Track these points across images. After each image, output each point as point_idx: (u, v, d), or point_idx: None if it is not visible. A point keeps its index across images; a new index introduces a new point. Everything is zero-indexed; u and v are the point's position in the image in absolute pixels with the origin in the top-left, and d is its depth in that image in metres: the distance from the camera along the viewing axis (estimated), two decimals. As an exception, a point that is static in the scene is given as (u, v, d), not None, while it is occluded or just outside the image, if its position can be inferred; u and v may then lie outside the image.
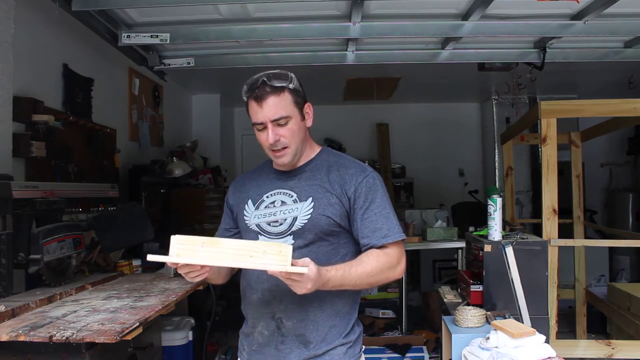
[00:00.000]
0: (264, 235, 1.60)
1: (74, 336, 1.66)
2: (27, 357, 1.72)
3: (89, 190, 3.16)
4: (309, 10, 2.99)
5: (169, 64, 3.67)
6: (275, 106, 1.52)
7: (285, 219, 1.57)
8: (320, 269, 1.36)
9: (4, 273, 2.17)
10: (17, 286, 2.27)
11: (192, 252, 1.27)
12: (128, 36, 3.11)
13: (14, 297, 2.16)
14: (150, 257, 1.27)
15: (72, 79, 3.35)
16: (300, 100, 1.57)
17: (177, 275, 2.77)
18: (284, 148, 1.56)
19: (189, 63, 3.65)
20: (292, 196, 1.59)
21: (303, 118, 1.59)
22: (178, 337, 2.89)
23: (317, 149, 1.68)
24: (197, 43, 3.37)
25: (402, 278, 4.61)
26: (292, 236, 1.56)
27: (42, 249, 2.26)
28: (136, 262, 3.05)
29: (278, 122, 1.52)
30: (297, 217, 1.55)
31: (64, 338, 1.65)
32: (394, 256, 1.53)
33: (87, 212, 3.07)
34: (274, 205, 1.60)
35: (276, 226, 1.58)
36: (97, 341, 1.66)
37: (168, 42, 3.14)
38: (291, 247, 1.29)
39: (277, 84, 1.52)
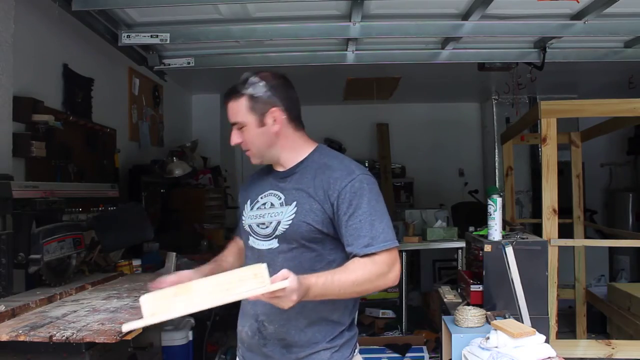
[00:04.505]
0: (254, 237, 1.61)
1: (74, 336, 1.66)
2: (27, 357, 1.72)
3: (89, 190, 3.15)
4: (309, 10, 2.99)
5: (169, 64, 3.67)
6: (231, 111, 1.58)
7: (271, 222, 1.56)
8: (299, 278, 1.30)
9: (4, 273, 2.17)
10: (17, 286, 2.27)
11: (167, 306, 1.19)
12: (128, 36, 3.11)
13: (14, 297, 2.15)
14: (126, 327, 1.21)
15: (72, 79, 3.35)
16: (259, 106, 1.55)
17: (177, 275, 2.77)
18: (248, 150, 1.61)
19: (189, 63, 3.65)
20: (280, 198, 1.58)
21: (263, 125, 1.55)
22: (178, 337, 2.89)
23: (310, 148, 1.63)
24: (197, 43, 3.37)
25: (402, 278, 4.62)
26: (277, 240, 1.55)
27: (42, 249, 2.26)
28: (136, 262, 3.05)
29: (236, 126, 1.58)
30: (280, 222, 1.54)
31: (64, 338, 1.65)
32: (382, 264, 1.45)
33: (87, 212, 3.06)
34: (265, 207, 1.60)
35: (264, 228, 1.58)
36: (97, 341, 1.66)
37: (168, 42, 3.15)
38: (265, 265, 1.24)
39: (238, 89, 1.56)
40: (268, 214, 1.58)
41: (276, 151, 1.60)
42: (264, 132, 1.57)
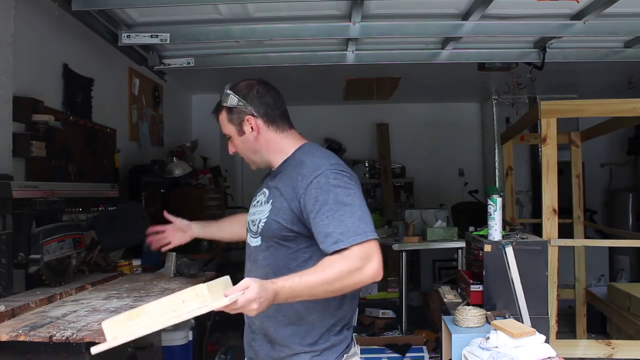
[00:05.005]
0: (249, 234, 1.67)
1: (74, 336, 1.66)
2: (27, 357, 1.72)
3: (89, 190, 3.15)
4: (309, 10, 2.98)
5: (169, 64, 3.67)
6: (220, 124, 1.68)
7: (257, 220, 1.61)
8: (263, 284, 1.28)
9: (4, 273, 2.17)
10: (17, 286, 2.27)
11: (125, 330, 1.28)
12: (128, 36, 3.11)
13: (14, 297, 2.15)
14: (94, 350, 1.29)
15: (72, 79, 3.35)
16: (235, 116, 1.62)
17: (177, 275, 2.78)
18: (243, 158, 1.69)
19: (189, 63, 3.65)
20: (265, 196, 1.63)
21: (242, 133, 1.62)
22: (178, 337, 2.89)
23: (293, 148, 1.64)
24: (197, 43, 3.37)
25: (402, 278, 4.62)
26: (260, 237, 1.60)
27: (42, 249, 2.26)
28: (136, 262, 3.05)
29: (226, 137, 1.67)
30: (260, 219, 1.58)
31: (64, 338, 1.65)
32: (355, 259, 1.38)
33: (87, 212, 3.06)
34: (257, 205, 1.66)
35: (253, 225, 1.63)
36: (97, 341, 1.65)
37: (168, 42, 3.15)
38: (206, 285, 1.24)
39: (219, 103, 1.65)
40: (257, 211, 1.63)
41: (264, 155, 1.65)
42: (245, 140, 1.64)
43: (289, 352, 1.56)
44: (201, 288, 1.25)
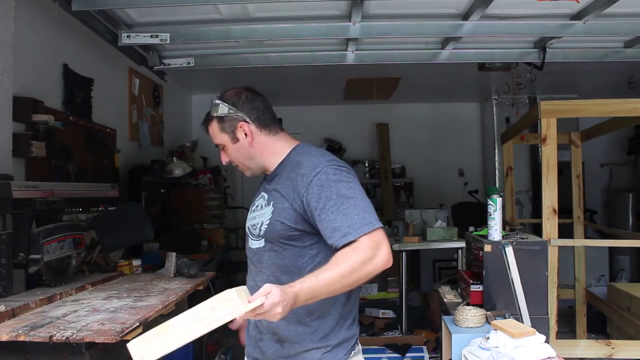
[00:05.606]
0: (250, 237, 1.68)
1: (74, 336, 1.66)
2: (27, 357, 1.73)
3: (89, 190, 3.16)
4: (309, 10, 2.99)
5: (169, 64, 3.67)
6: (211, 135, 1.68)
7: (258, 223, 1.62)
8: (283, 288, 1.28)
9: (4, 273, 2.17)
10: (17, 286, 2.27)
11: (153, 348, 1.26)
12: (128, 36, 3.11)
13: (14, 297, 2.16)
14: None
15: (72, 79, 3.35)
16: (227, 125, 1.63)
17: (177, 275, 2.78)
18: (237, 166, 1.69)
19: (189, 63, 3.65)
20: (265, 199, 1.64)
21: (237, 140, 1.63)
22: (178, 337, 2.89)
23: (287, 150, 1.65)
24: (197, 43, 3.37)
25: (402, 278, 4.62)
26: (263, 239, 1.60)
27: (42, 249, 2.26)
28: (136, 262, 3.05)
29: (219, 147, 1.68)
30: (263, 222, 1.59)
31: (64, 338, 1.65)
32: (366, 249, 1.40)
33: (87, 212, 3.07)
34: (257, 209, 1.67)
35: (254, 229, 1.64)
36: (97, 341, 1.66)
37: (168, 42, 3.15)
38: (234, 290, 1.24)
39: (208, 114, 1.65)
40: (257, 215, 1.64)
41: (259, 160, 1.66)
42: (239, 147, 1.64)
43: (300, 348, 1.57)
44: (230, 293, 1.24)
